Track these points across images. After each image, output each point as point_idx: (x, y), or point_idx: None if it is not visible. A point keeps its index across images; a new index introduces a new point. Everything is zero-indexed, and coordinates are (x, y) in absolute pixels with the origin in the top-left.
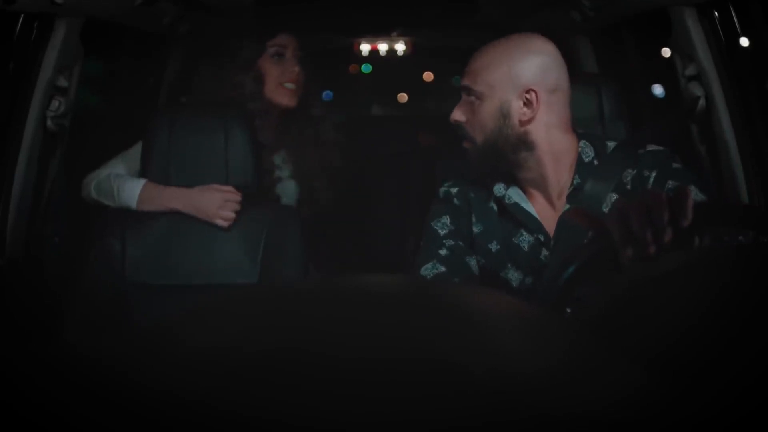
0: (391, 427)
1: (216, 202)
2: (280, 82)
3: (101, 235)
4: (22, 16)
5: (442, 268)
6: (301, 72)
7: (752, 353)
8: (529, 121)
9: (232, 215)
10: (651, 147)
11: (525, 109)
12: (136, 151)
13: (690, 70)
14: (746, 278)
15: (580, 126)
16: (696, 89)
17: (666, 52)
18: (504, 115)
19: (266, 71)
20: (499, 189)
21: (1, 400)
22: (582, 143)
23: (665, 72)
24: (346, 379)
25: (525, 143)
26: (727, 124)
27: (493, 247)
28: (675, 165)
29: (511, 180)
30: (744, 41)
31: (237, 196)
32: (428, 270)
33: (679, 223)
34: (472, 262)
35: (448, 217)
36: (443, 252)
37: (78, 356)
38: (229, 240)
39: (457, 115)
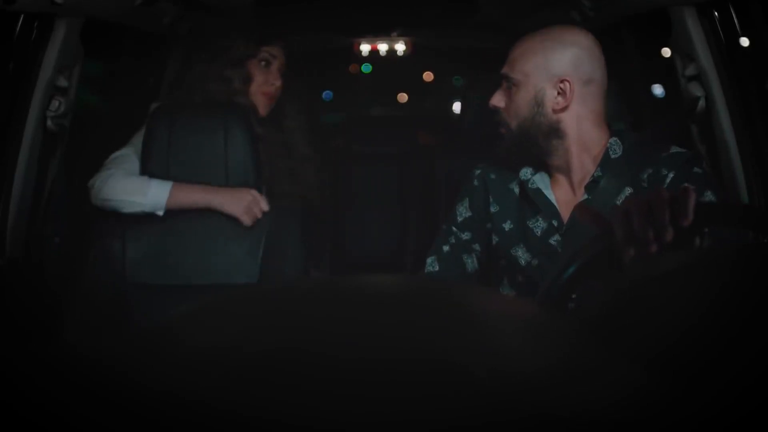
0: (391, 427)
1: (248, 199)
2: (260, 90)
3: (101, 235)
4: (22, 16)
5: (436, 267)
6: (281, 87)
7: (752, 353)
8: (562, 110)
9: (258, 215)
10: (674, 149)
11: (558, 98)
12: (138, 140)
13: (690, 70)
14: (746, 278)
15: None
16: (696, 89)
17: (666, 52)
18: (538, 102)
19: (252, 75)
20: (525, 173)
21: (1, 400)
22: (613, 140)
23: (665, 72)
24: (346, 379)
25: (556, 131)
26: (727, 124)
27: (507, 226)
28: (696, 169)
29: (540, 166)
30: (744, 41)
31: (265, 205)
32: (428, 265)
33: (680, 222)
34: (470, 259)
35: (468, 199)
36: (445, 248)
37: (78, 356)
38: (230, 240)
39: (496, 100)
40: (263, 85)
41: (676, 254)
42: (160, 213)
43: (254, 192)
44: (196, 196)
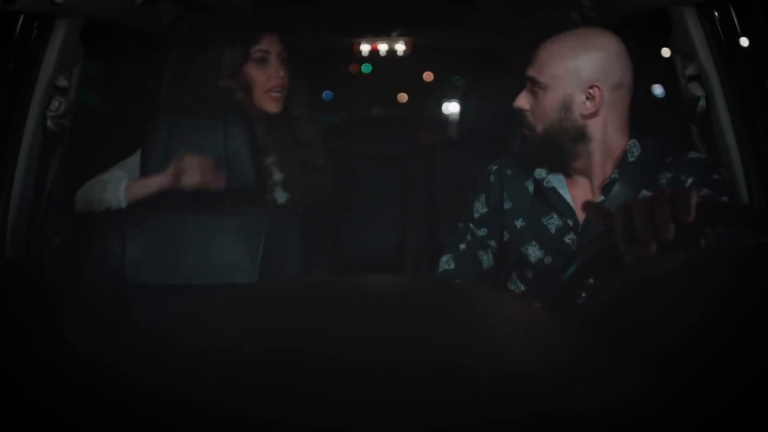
0: (391, 427)
1: (190, 170)
2: (266, 89)
3: (101, 235)
4: (22, 16)
5: (452, 265)
6: (286, 76)
7: (752, 353)
8: (591, 115)
9: (207, 178)
10: (693, 154)
11: (587, 103)
12: (134, 157)
13: (690, 70)
14: (746, 278)
15: None
16: (696, 89)
17: (666, 52)
18: (566, 107)
19: (252, 78)
20: (540, 173)
21: (1, 400)
22: (631, 142)
23: (665, 72)
24: (346, 379)
25: (582, 136)
26: (727, 124)
27: (519, 223)
28: (715, 176)
29: (556, 166)
30: (744, 41)
31: (206, 161)
32: (443, 263)
33: (681, 220)
34: (485, 256)
35: (484, 195)
36: (462, 246)
37: (78, 356)
38: (230, 240)
39: (521, 102)
40: (267, 82)
41: (676, 254)
42: (123, 205)
43: (189, 157)
44: (148, 182)
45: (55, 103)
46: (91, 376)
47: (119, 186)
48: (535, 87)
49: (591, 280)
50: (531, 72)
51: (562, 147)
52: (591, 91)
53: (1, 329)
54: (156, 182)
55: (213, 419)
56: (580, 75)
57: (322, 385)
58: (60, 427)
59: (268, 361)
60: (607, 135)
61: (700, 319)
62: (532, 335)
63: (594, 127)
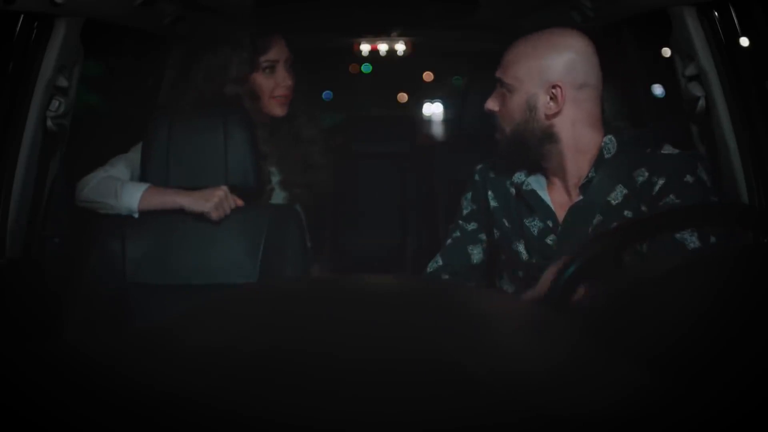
0: (392, 427)
1: (218, 195)
2: (273, 95)
3: (101, 235)
4: (22, 16)
5: (440, 262)
6: (293, 83)
7: (752, 353)
8: (555, 115)
9: (227, 211)
10: (667, 150)
11: (551, 103)
12: (134, 154)
13: (690, 70)
14: (746, 278)
15: None
16: (696, 89)
17: (666, 52)
18: (530, 108)
19: (260, 86)
20: (518, 176)
21: (1, 400)
22: (607, 138)
23: (665, 72)
24: (347, 379)
25: (550, 136)
26: (727, 124)
27: (506, 222)
28: (687, 177)
29: (534, 168)
30: (744, 41)
31: (236, 201)
32: (432, 262)
33: None
34: (476, 250)
35: (471, 193)
36: (449, 242)
37: (78, 356)
38: (230, 240)
39: (491, 104)
40: (275, 90)
41: (676, 254)
42: (135, 215)
43: (225, 188)
44: (167, 198)
45: (55, 103)
46: (91, 376)
47: (136, 193)
48: (502, 89)
49: (590, 280)
50: (498, 74)
51: (531, 148)
52: (553, 91)
53: (1, 329)
54: (177, 201)
55: (212, 419)
56: (542, 75)
57: (323, 385)
58: (60, 426)
59: (267, 361)
60: (575, 134)
61: (700, 319)
62: (533, 336)
63: (560, 126)
